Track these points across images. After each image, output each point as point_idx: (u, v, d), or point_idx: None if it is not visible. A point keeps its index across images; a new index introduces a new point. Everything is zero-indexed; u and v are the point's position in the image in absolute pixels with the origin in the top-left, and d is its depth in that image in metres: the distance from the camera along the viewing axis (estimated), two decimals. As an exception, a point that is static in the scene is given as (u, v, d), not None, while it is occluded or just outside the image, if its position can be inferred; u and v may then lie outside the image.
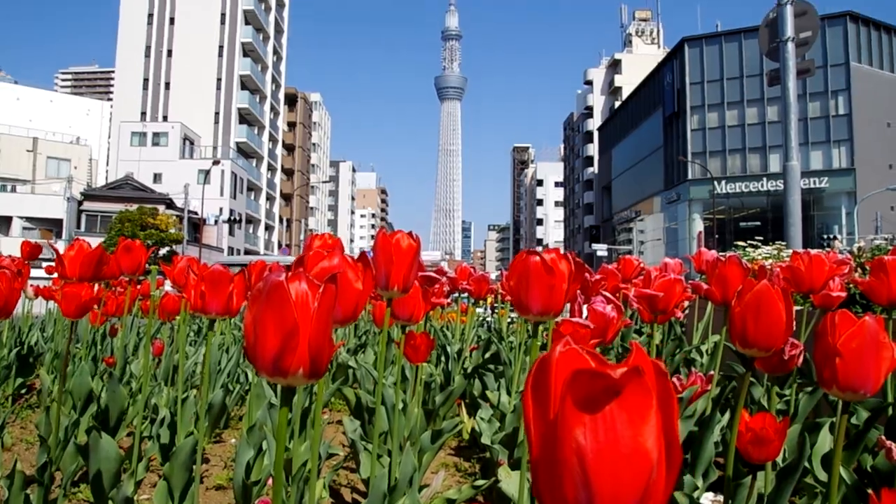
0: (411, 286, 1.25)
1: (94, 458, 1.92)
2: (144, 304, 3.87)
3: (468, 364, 3.78)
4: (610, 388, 0.32)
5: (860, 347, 0.79)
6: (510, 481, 1.84)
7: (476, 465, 2.87)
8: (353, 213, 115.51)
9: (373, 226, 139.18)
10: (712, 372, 2.56)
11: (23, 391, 3.61)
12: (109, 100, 54.26)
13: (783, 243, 4.20)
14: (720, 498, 2.35)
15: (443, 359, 3.84)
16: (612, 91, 66.50)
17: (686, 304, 4.37)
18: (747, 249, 4.09)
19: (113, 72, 58.41)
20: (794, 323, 1.04)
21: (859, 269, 2.78)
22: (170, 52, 51.79)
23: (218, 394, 2.84)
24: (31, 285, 4.14)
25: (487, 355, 4.35)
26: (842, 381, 0.80)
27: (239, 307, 1.25)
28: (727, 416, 2.21)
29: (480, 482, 2.08)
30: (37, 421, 2.31)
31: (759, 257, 3.94)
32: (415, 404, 2.52)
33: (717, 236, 34.24)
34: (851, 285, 2.78)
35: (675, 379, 2.55)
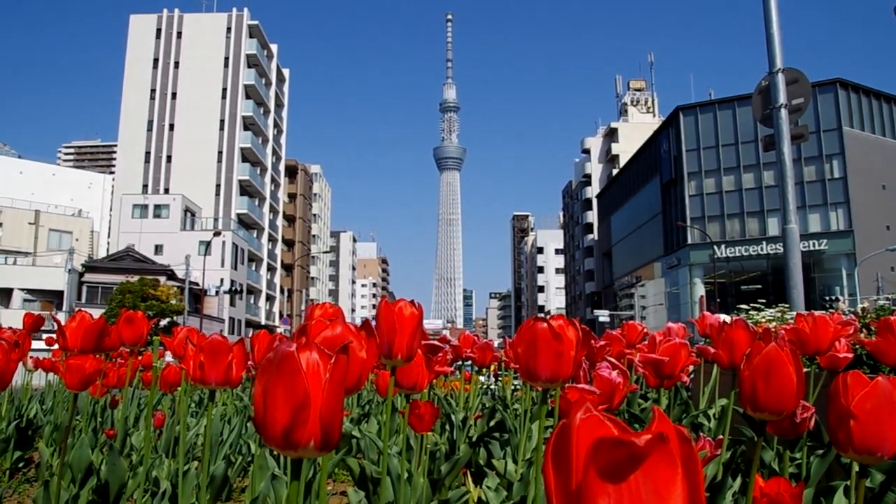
0: (415, 354, 1.25)
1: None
2: (146, 375, 3.84)
3: (473, 432, 3.71)
4: (635, 457, 0.32)
5: (875, 408, 0.79)
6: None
7: (484, 537, 2.79)
8: (354, 282, 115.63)
9: (374, 295, 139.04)
10: (721, 436, 2.52)
11: (20, 465, 3.54)
12: (111, 173, 55.25)
13: (786, 306, 4.20)
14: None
15: (447, 427, 3.78)
16: (610, 159, 67.70)
17: (691, 368, 4.34)
18: (751, 312, 4.08)
19: (115, 145, 59.75)
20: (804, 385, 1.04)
21: (864, 330, 2.77)
22: (171, 126, 53.05)
23: (220, 466, 2.79)
24: (31, 357, 4.12)
25: (492, 423, 4.28)
26: (857, 443, 0.80)
27: (239, 377, 1.24)
28: (738, 481, 2.16)
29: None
30: (34, 496, 2.26)
31: (763, 320, 3.93)
32: (420, 474, 2.48)
33: (718, 300, 34.17)
34: (858, 346, 2.77)
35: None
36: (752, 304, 4.20)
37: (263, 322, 53.95)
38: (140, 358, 4.20)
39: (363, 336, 0.95)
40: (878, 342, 1.98)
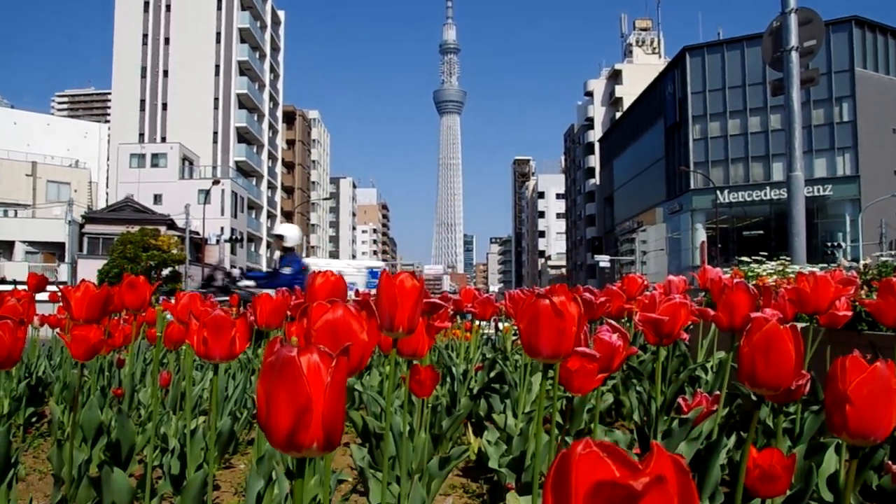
0: (416, 326, 1.26)
1: (106, 493, 1.93)
2: (151, 332, 3.87)
3: (474, 384, 3.77)
4: (633, 497, 0.33)
5: (871, 394, 0.80)
6: (519, 508, 1.84)
7: (484, 485, 2.86)
8: (354, 228, 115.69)
9: (374, 241, 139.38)
10: (718, 392, 2.56)
11: (33, 419, 3.61)
12: (107, 122, 54.52)
13: (787, 258, 4.20)
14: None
15: (448, 379, 3.84)
16: (613, 102, 66.76)
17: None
18: (752, 266, 4.09)
19: (110, 93, 58.77)
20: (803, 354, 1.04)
21: (865, 287, 2.78)
22: (165, 73, 52.15)
23: (226, 421, 2.84)
24: (38, 315, 4.16)
25: (493, 374, 4.35)
26: (852, 428, 0.81)
27: (242, 350, 1.26)
28: (733, 438, 2.21)
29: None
30: (49, 454, 2.32)
31: (764, 273, 3.95)
32: (422, 429, 2.52)
33: (719, 246, 34.21)
34: (857, 303, 2.78)
35: (680, 399, 2.55)
36: (753, 257, 4.21)
37: (265, 269, 54.25)
38: (144, 315, 4.23)
39: (363, 316, 0.96)
40: (879, 303, 1.99)
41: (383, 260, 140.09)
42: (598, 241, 64.71)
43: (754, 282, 4.08)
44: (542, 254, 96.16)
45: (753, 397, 1.91)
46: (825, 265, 3.95)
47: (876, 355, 2.22)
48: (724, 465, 1.95)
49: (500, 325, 5.97)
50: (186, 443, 2.17)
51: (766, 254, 4.21)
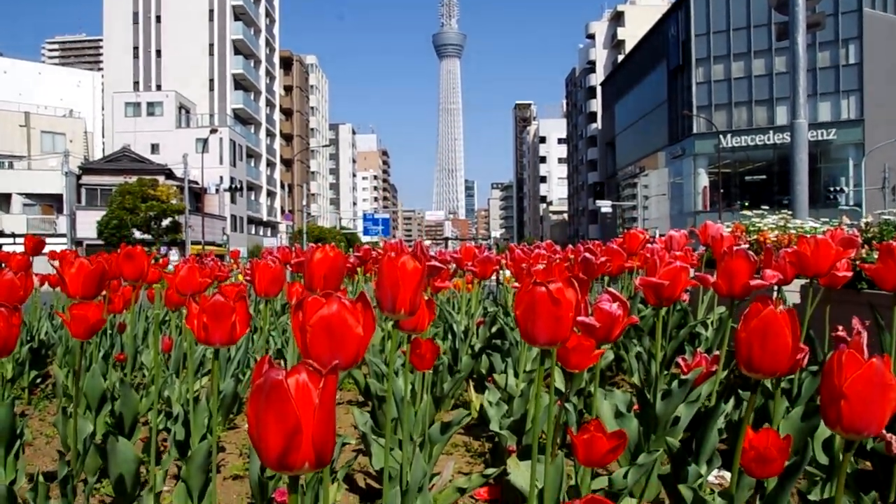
0: (417, 308, 1.25)
1: (112, 462, 1.96)
2: (151, 292, 3.88)
3: (475, 341, 3.80)
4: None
5: (866, 390, 0.79)
6: (519, 473, 1.87)
7: (485, 443, 2.91)
8: (354, 175, 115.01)
9: (375, 188, 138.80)
10: (717, 352, 2.58)
11: (38, 380, 3.66)
12: (100, 69, 53.41)
13: (789, 213, 4.18)
14: (725, 474, 2.40)
15: (449, 336, 3.86)
16: (615, 45, 65.38)
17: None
18: (753, 219, 4.07)
19: (101, 40, 57.49)
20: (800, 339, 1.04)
21: (866, 246, 2.76)
22: (158, 18, 50.87)
23: (229, 383, 2.88)
24: (37, 274, 4.15)
25: (494, 329, 4.38)
26: (846, 423, 0.81)
27: (242, 334, 1.25)
28: (731, 402, 2.23)
29: (490, 471, 2.12)
30: (55, 420, 2.35)
31: (765, 228, 3.93)
32: (424, 391, 2.55)
33: (721, 191, 34.05)
34: (857, 264, 2.77)
35: (679, 359, 2.56)
36: (755, 211, 4.18)
37: (265, 218, 54.23)
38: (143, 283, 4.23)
39: (359, 309, 0.95)
40: (879, 268, 1.98)
41: (384, 207, 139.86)
42: (599, 187, 64.44)
43: (756, 236, 4.07)
44: (543, 199, 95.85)
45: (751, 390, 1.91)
46: (826, 220, 3.92)
47: (875, 316, 2.22)
48: (721, 430, 1.96)
49: (502, 277, 5.99)
50: (190, 409, 2.20)
51: (767, 207, 4.18)
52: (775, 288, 2.63)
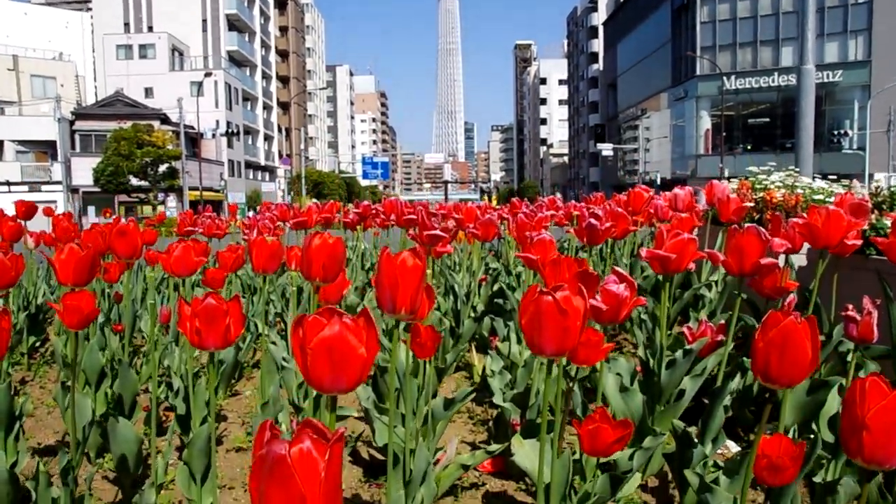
0: (419, 307, 1.21)
1: (114, 442, 1.96)
2: (150, 253, 3.84)
3: (476, 301, 3.77)
4: None
5: (890, 423, 0.75)
6: (523, 452, 1.86)
7: (488, 409, 2.92)
8: (352, 118, 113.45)
9: (374, 130, 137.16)
10: (723, 322, 2.55)
11: (37, 345, 3.64)
12: (88, 10, 51.72)
13: (796, 170, 4.09)
14: (728, 444, 2.40)
15: (451, 297, 3.84)
16: (618, -19, 63.43)
17: (696, 231, 4.28)
18: (759, 177, 3.99)
19: (88, -22, 55.58)
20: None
21: (876, 211, 2.70)
22: (147, -45, 49.09)
23: (229, 352, 2.86)
24: (31, 233, 4.09)
25: (496, 287, 4.35)
26: (868, 454, 0.77)
27: (237, 336, 1.21)
28: (737, 378, 2.21)
29: (494, 447, 2.12)
30: (54, 393, 2.34)
31: (772, 186, 3.85)
32: (426, 362, 2.53)
33: (724, 134, 33.62)
34: (867, 231, 2.72)
35: (685, 328, 2.54)
36: (761, 168, 4.10)
37: (263, 163, 53.72)
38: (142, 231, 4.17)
39: (362, 326, 0.90)
40: (892, 241, 1.93)
41: (383, 150, 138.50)
42: (600, 129, 63.63)
43: (762, 193, 4.00)
44: (543, 142, 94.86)
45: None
46: (835, 178, 3.84)
47: (883, 286, 2.18)
48: (727, 407, 1.95)
49: (503, 231, 5.94)
50: (189, 385, 2.18)
51: (774, 164, 4.09)
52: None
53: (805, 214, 3.28)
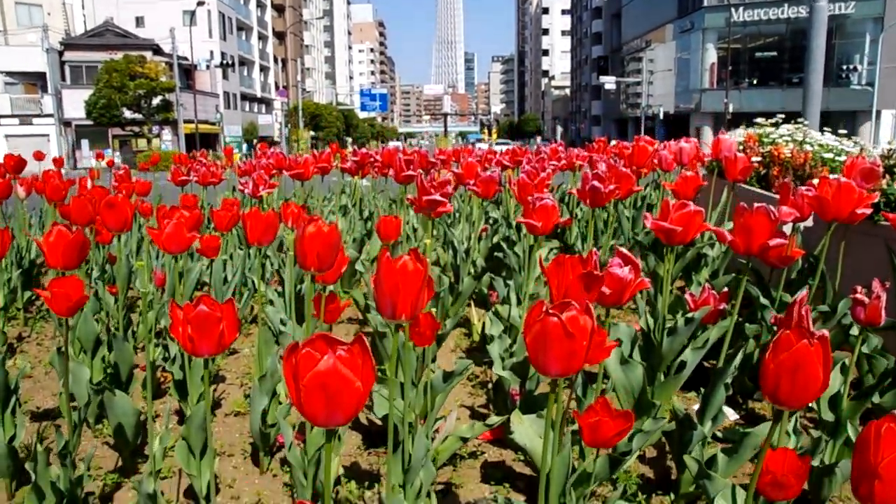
0: (419, 311, 1.16)
1: (112, 415, 1.95)
2: (143, 206, 3.78)
3: (476, 255, 3.73)
4: None
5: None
6: (522, 429, 1.86)
7: (487, 370, 2.92)
8: (350, 48, 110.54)
9: (372, 61, 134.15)
10: (726, 289, 2.52)
11: (33, 297, 3.62)
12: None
13: (805, 122, 3.99)
14: (727, 412, 2.41)
15: (451, 252, 3.80)
16: None
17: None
18: (766, 129, 3.89)
19: None
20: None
21: (887, 175, 2.63)
22: None
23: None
24: (20, 179, 4.02)
25: (496, 240, 4.31)
26: (878, 503, 0.75)
27: (231, 340, 1.17)
28: (739, 356, 2.19)
29: (492, 420, 2.12)
30: (50, 357, 2.32)
31: (780, 140, 3.75)
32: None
33: (730, 68, 32.85)
34: (880, 194, 2.66)
35: (687, 295, 2.51)
36: (769, 120, 3.99)
37: (259, 95, 52.70)
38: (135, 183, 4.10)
39: (357, 355, 0.85)
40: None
41: (381, 82, 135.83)
42: (603, 62, 62.16)
43: (769, 147, 3.90)
44: (545, 74, 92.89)
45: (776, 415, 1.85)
46: (845, 133, 3.74)
47: (890, 257, 2.14)
48: (728, 385, 1.93)
49: (504, 179, 5.86)
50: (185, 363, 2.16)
51: (783, 116, 3.98)
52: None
53: (814, 173, 3.21)
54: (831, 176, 3.10)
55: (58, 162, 4.06)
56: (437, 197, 2.44)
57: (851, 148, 3.28)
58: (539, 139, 66.81)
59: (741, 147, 4.04)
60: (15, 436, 1.90)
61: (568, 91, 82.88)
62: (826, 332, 0.97)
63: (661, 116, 42.57)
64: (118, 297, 2.48)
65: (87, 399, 2.04)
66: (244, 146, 43.26)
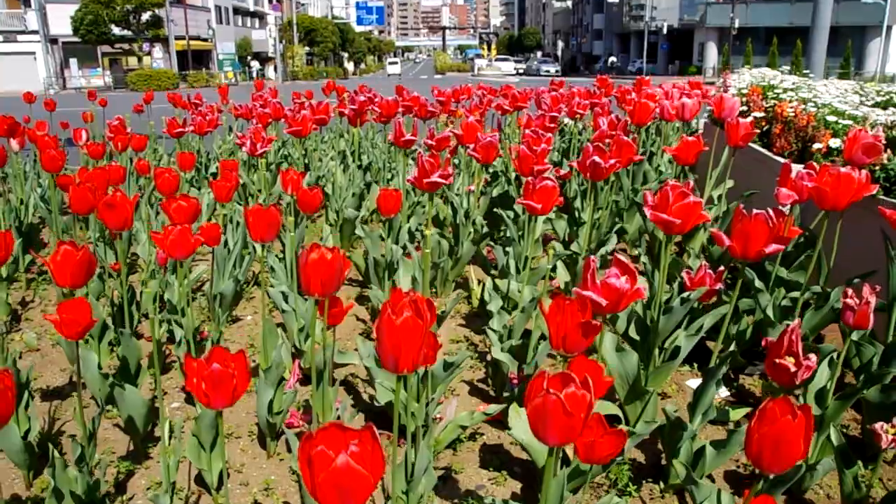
0: (422, 362, 1.20)
1: (122, 408, 2.02)
2: (139, 163, 3.75)
3: (476, 212, 3.73)
4: None
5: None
6: (521, 425, 1.93)
7: (486, 339, 2.98)
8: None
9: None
10: (722, 268, 2.55)
11: (35, 260, 3.64)
12: None
13: (811, 75, 3.90)
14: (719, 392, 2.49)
15: (450, 211, 3.80)
16: None
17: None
18: (771, 81, 3.81)
19: None
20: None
21: (888, 150, 2.61)
22: None
23: (228, 285, 2.88)
24: (16, 137, 3.97)
25: (496, 193, 4.30)
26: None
27: (244, 391, 1.20)
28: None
29: (492, 408, 2.20)
30: (58, 337, 2.37)
31: (785, 97, 3.69)
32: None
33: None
34: (878, 170, 2.64)
35: (684, 273, 2.54)
36: (774, 72, 3.91)
37: (252, 8, 50.85)
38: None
39: (367, 443, 0.89)
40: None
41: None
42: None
43: (773, 101, 3.84)
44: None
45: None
46: (845, 96, 3.66)
47: (886, 245, 2.16)
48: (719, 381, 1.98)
49: (504, 125, 5.78)
50: (190, 336, 2.21)
51: (787, 68, 3.89)
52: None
53: (816, 135, 3.18)
54: (833, 142, 3.07)
55: (53, 139, 3.97)
56: (438, 179, 2.42)
57: (855, 110, 3.23)
58: (540, 55, 64.97)
59: (744, 102, 3.97)
60: (30, 429, 1.97)
61: (569, 3, 79.98)
62: (809, 406, 1.01)
63: (665, 31, 41.31)
64: (120, 272, 2.50)
65: (98, 386, 2.10)
66: (237, 61, 42.17)
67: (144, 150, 4.09)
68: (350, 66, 62.73)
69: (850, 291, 1.77)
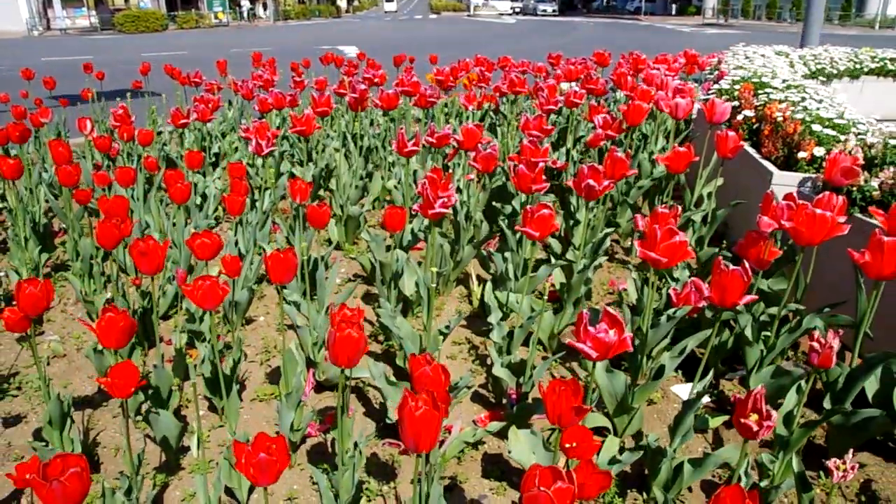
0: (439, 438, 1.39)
1: (157, 430, 2.23)
2: (147, 160, 3.86)
3: (475, 211, 3.86)
4: None
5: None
6: (520, 448, 2.14)
7: (486, 340, 3.18)
8: None
9: None
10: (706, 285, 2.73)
11: (51, 257, 3.79)
12: None
13: (808, 89, 3.99)
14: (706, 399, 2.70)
15: (451, 211, 3.93)
16: None
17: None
18: (764, 79, 3.91)
19: None
20: None
21: (866, 172, 2.78)
22: None
23: (243, 294, 3.06)
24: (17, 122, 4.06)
25: (495, 185, 4.43)
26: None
27: (284, 469, 1.40)
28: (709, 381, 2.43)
29: (494, 426, 2.41)
30: (86, 351, 2.57)
31: (775, 96, 3.80)
32: (431, 319, 2.72)
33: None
34: (856, 191, 2.80)
35: (671, 291, 2.72)
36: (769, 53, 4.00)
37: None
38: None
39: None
40: (872, 261, 2.07)
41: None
42: None
43: (763, 99, 3.95)
44: None
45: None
46: (834, 106, 3.77)
47: (856, 274, 2.34)
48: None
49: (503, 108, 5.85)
50: (216, 356, 2.40)
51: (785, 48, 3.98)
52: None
53: (801, 144, 3.32)
54: (817, 150, 3.22)
55: (65, 149, 4.05)
56: (441, 210, 2.57)
57: (843, 121, 3.36)
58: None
59: (735, 97, 4.08)
60: (73, 451, 2.18)
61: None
62: (756, 493, 1.21)
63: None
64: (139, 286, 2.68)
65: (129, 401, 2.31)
66: (226, 2, 41.08)
67: (150, 146, 4.19)
68: (343, 3, 61.19)
69: (816, 334, 1.97)
